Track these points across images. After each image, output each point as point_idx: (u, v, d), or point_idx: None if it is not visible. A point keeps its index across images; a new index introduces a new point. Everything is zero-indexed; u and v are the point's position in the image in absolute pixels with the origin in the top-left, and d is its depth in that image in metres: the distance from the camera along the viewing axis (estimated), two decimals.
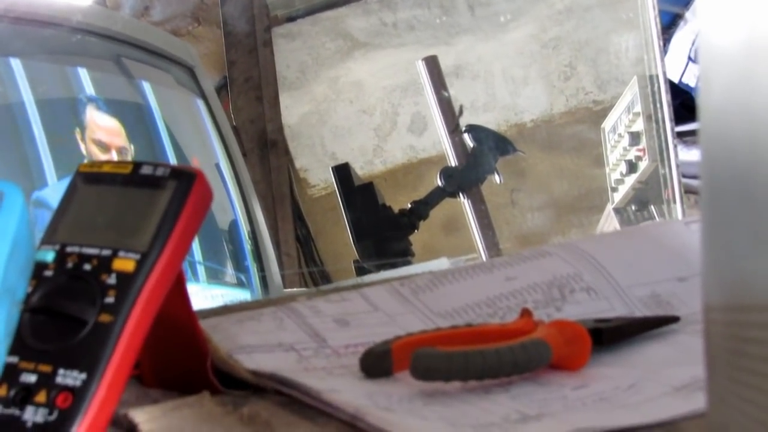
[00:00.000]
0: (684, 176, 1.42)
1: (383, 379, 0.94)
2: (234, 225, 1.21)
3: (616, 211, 1.17)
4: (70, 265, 0.87)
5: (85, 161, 0.93)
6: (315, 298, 1.07)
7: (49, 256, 0.88)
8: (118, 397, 0.84)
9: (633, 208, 1.15)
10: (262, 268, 1.20)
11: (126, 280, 0.85)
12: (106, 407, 0.83)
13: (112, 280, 0.85)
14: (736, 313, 0.54)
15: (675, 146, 1.28)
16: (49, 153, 1.13)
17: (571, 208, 1.12)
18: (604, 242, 1.16)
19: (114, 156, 1.20)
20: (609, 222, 1.16)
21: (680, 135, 1.45)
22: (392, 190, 1.11)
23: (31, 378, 0.83)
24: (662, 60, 1.30)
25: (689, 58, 1.85)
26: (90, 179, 0.92)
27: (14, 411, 0.82)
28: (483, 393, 0.91)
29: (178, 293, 0.89)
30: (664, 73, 1.31)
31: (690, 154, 1.59)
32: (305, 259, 1.12)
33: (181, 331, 0.91)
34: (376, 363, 0.95)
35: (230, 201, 1.20)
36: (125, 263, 0.86)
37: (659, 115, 1.27)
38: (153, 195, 0.89)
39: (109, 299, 0.84)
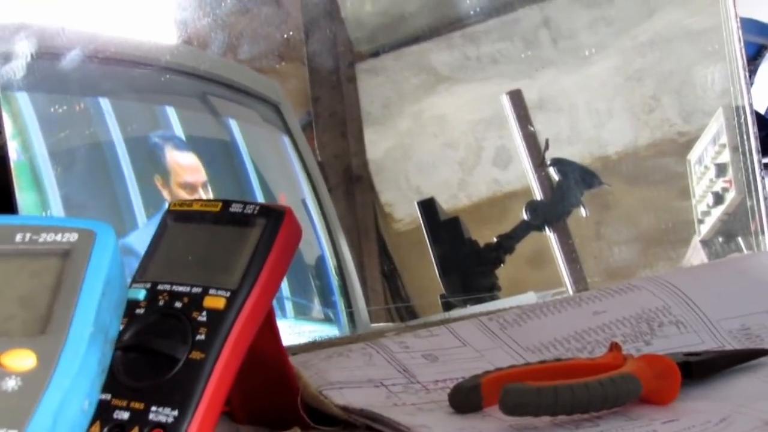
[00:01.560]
0: None
1: (473, 414, 0.93)
2: (321, 260, 1.20)
3: (703, 243, 1.16)
4: (161, 302, 0.87)
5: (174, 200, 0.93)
6: (403, 334, 1.07)
7: (141, 294, 0.88)
8: None
9: (720, 240, 1.15)
10: (349, 304, 1.19)
11: (217, 317, 0.85)
12: None
13: (203, 317, 0.85)
14: None
15: (762, 178, 1.26)
16: (138, 193, 1.12)
17: (657, 241, 1.11)
18: (692, 275, 1.15)
19: (201, 194, 1.18)
20: (696, 254, 1.15)
21: (767, 166, 1.43)
22: (477, 224, 1.09)
23: (124, 415, 0.84)
24: (748, 91, 1.28)
25: None
26: (180, 218, 0.93)
27: None
28: (573, 428, 0.90)
29: (268, 329, 0.89)
30: (750, 105, 1.29)
31: None
32: (391, 294, 1.12)
33: (272, 368, 0.91)
34: (466, 398, 0.94)
35: (317, 236, 1.19)
36: (216, 300, 0.86)
37: (746, 147, 1.25)
38: (243, 232, 0.89)
39: (200, 336, 0.85)
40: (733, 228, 1.23)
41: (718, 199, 1.25)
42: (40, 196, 1.12)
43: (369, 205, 1.15)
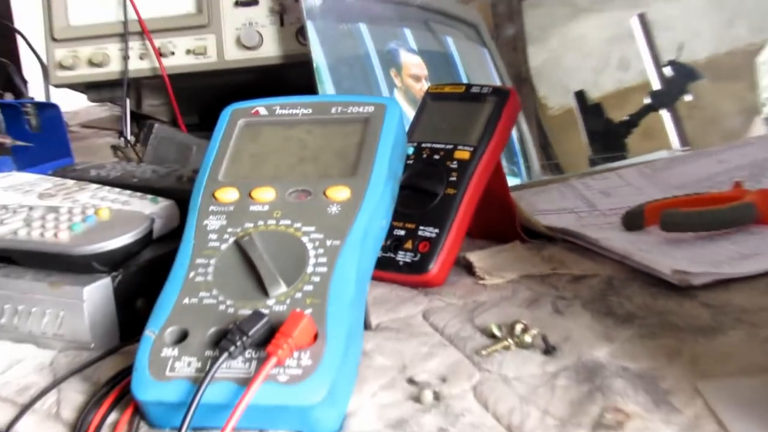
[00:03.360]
0: None
1: (639, 231, 0.91)
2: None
3: (765, 120, 1.12)
4: (424, 155, 0.87)
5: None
6: (584, 177, 1.04)
7: (410, 150, 0.88)
8: (460, 245, 0.84)
9: None
10: (526, 162, 1.18)
11: (464, 165, 0.85)
12: (452, 251, 0.83)
13: (454, 165, 0.85)
14: None
15: None
16: (384, 80, 1.14)
17: (733, 117, 1.08)
18: None
19: (424, 83, 1.19)
20: (757, 126, 1.11)
21: None
22: (611, 108, 1.08)
23: (401, 232, 0.84)
24: None
25: None
26: (436, 97, 0.92)
27: (391, 254, 0.82)
28: (710, 240, 0.87)
29: (497, 174, 0.87)
30: None
31: None
32: (546, 157, 1.11)
33: (499, 200, 0.89)
34: (634, 220, 0.92)
35: None
36: (463, 153, 0.85)
37: None
38: (480, 106, 0.88)
39: (453, 178, 0.84)
40: None
41: None
42: (324, 90, 1.13)
43: (531, 98, 1.14)
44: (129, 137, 1.14)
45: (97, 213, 0.76)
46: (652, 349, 0.67)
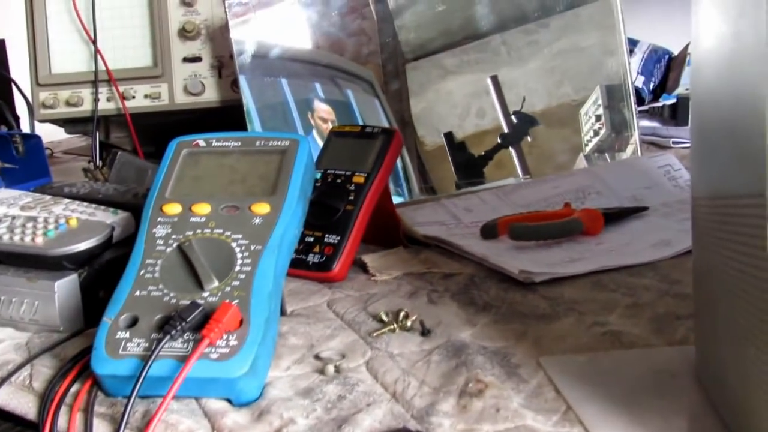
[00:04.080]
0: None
1: (493, 240, 0.89)
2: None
3: (586, 156, 1.12)
4: (329, 179, 0.84)
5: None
6: (452, 198, 1.02)
7: (318, 175, 0.84)
8: (356, 250, 0.81)
9: (595, 154, 1.11)
10: (408, 185, 1.17)
11: (360, 187, 0.82)
12: (350, 254, 0.80)
13: (352, 187, 0.82)
14: (716, 200, 0.49)
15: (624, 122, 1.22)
16: (299, 122, 1.12)
17: (563, 153, 1.09)
18: (606, 167, 1.09)
19: (330, 124, 1.18)
20: (581, 161, 1.11)
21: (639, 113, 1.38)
22: (473, 145, 1.09)
23: (311, 239, 0.80)
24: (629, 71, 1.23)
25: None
26: (338, 134, 0.89)
27: (302, 256, 0.79)
28: (547, 247, 0.86)
29: (385, 194, 0.85)
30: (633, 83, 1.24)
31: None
32: (424, 183, 1.10)
33: (387, 214, 0.87)
34: (489, 231, 0.90)
35: None
36: (359, 178, 0.82)
37: (612, 105, 1.23)
38: (372, 142, 0.85)
39: (351, 197, 0.81)
40: (602, 148, 1.20)
41: (595, 133, 1.22)
42: (252, 127, 1.10)
43: (412, 137, 1.14)
44: (98, 162, 1.08)
45: (68, 222, 0.72)
46: (504, 331, 0.65)
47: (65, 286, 0.68)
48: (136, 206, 0.76)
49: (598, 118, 1.23)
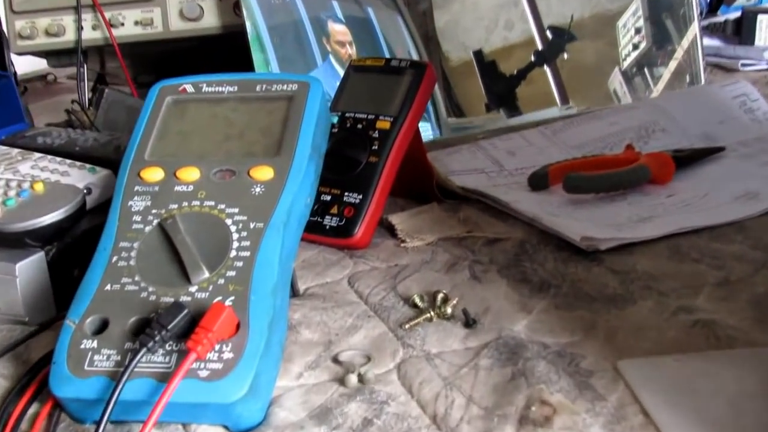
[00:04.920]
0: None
1: (543, 191, 0.76)
2: None
3: (622, 72, 1.01)
4: (348, 125, 0.71)
5: (354, 57, 0.75)
6: (491, 138, 0.89)
7: (335, 119, 0.71)
8: (382, 209, 0.68)
9: (634, 70, 1.01)
10: (436, 114, 1.06)
11: (385, 134, 0.69)
12: (374, 216, 0.67)
13: (375, 134, 0.69)
14: None
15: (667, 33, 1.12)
16: (316, 47, 0.99)
17: (600, 67, 0.98)
18: (672, 98, 0.95)
19: (348, 48, 1.05)
20: (616, 77, 1.00)
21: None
22: (503, 63, 0.98)
23: (327, 198, 0.68)
24: None
25: None
26: (358, 69, 0.75)
27: (318, 219, 0.67)
28: (609, 201, 0.73)
29: (416, 140, 0.71)
30: None
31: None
32: (449, 99, 0.99)
33: (418, 163, 0.74)
34: (539, 181, 0.77)
35: None
36: (384, 123, 0.69)
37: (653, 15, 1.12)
38: (399, 79, 0.71)
39: (375, 147, 0.68)
40: (642, 63, 1.11)
41: (635, 47, 1.12)
42: (264, 55, 0.97)
43: (437, 52, 1.02)
44: (83, 102, 0.95)
45: (33, 187, 0.59)
46: (568, 321, 0.53)
47: (29, 268, 0.56)
48: (118, 162, 0.64)
49: (637, 30, 1.14)
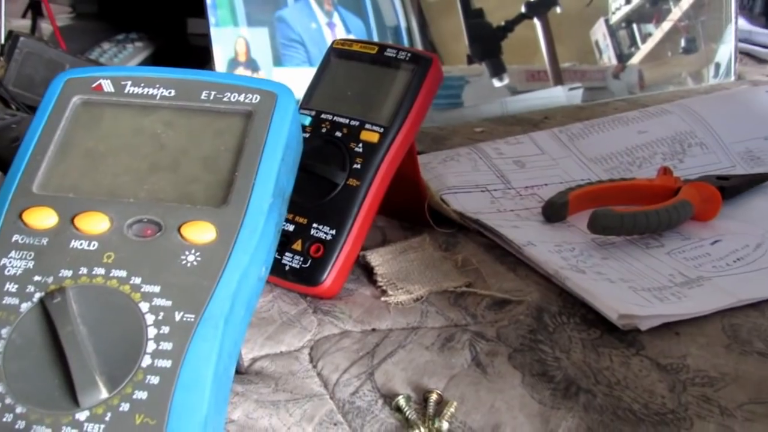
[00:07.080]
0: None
1: (560, 223, 0.62)
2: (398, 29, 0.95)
3: (609, 25, 0.92)
4: (323, 130, 0.55)
5: (337, 38, 0.59)
6: (496, 141, 0.74)
7: (307, 120, 0.56)
8: (359, 248, 0.53)
9: (623, 24, 0.93)
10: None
11: (371, 150, 0.53)
12: (350, 258, 0.52)
13: (359, 148, 0.53)
14: None
15: None
16: None
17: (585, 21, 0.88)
18: (710, 104, 0.80)
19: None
20: (599, 28, 0.89)
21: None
22: (491, 12, 0.87)
23: (290, 227, 0.53)
24: None
25: None
26: (342, 55, 0.58)
27: (276, 255, 0.51)
28: (644, 246, 0.59)
29: (409, 157, 0.56)
30: None
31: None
32: (424, 36, 0.87)
33: (409, 183, 0.58)
34: (557, 211, 0.62)
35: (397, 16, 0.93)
36: (370, 135, 0.53)
37: None
38: (395, 74, 0.56)
39: (357, 165, 0.53)
40: (632, 18, 1.07)
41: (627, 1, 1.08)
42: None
43: None
44: None
45: None
46: None
47: None
48: (8, 162, 0.48)
49: None
